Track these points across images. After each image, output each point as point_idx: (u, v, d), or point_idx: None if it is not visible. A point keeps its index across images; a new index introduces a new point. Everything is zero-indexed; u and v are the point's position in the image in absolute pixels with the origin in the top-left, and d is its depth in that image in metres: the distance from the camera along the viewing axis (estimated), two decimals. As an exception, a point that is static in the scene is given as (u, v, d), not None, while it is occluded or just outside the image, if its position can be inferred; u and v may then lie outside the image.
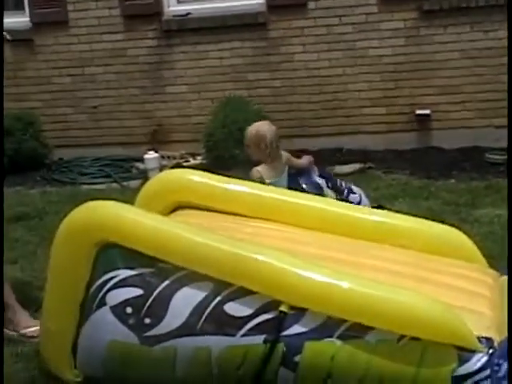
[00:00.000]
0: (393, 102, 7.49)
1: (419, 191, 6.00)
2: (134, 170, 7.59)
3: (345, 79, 7.57)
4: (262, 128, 4.41)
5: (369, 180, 6.40)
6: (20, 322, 3.69)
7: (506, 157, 6.65)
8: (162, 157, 7.64)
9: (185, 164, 7.34)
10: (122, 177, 7.36)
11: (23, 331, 3.66)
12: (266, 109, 7.44)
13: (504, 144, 6.41)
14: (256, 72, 7.75)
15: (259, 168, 4.41)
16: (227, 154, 7.16)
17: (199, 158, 7.54)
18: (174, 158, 7.68)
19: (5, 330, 3.68)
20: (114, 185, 7.15)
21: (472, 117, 7.38)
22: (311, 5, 7.51)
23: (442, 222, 3.79)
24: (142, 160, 7.49)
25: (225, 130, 7.16)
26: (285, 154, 4.62)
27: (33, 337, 3.56)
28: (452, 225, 3.73)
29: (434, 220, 3.74)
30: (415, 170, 6.73)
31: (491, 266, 3.52)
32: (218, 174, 3.87)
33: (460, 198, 5.73)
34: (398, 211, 4.01)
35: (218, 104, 7.52)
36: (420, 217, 3.73)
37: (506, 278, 3.31)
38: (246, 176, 4.36)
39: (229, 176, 3.99)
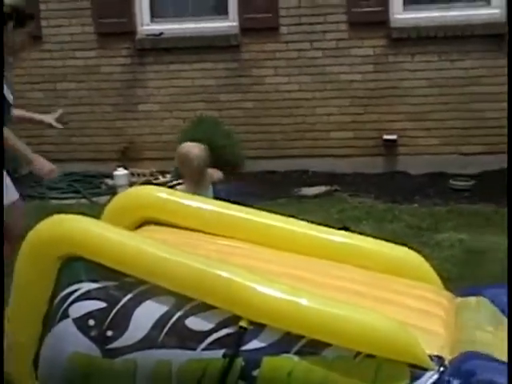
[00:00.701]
0: (361, 126, 7.65)
1: (383, 214, 6.13)
2: (103, 186, 7.63)
3: (314, 103, 7.71)
4: (192, 151, 4.55)
5: (334, 202, 6.53)
6: None
7: (469, 183, 6.81)
8: (132, 174, 7.70)
9: (154, 181, 7.40)
10: (91, 192, 7.40)
11: None
12: (236, 130, 7.56)
13: (470, 171, 6.56)
14: (228, 93, 7.87)
15: (179, 187, 4.56)
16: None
17: (168, 175, 7.61)
18: (144, 175, 7.74)
19: None
20: (83, 200, 7.19)
21: (438, 143, 7.54)
22: (283, 29, 7.66)
23: (404, 244, 3.89)
24: (111, 176, 7.53)
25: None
26: (209, 171, 4.75)
27: None
28: (413, 248, 3.82)
29: (395, 242, 3.83)
30: (381, 193, 6.87)
31: (447, 288, 3.62)
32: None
33: (423, 222, 5.86)
34: (361, 233, 4.11)
35: (189, 123, 7.60)
36: (382, 239, 3.83)
37: (460, 299, 3.42)
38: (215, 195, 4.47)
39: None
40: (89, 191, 7.45)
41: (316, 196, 6.88)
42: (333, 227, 4.01)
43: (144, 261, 3.00)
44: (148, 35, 8.01)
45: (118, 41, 8.04)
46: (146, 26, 8.09)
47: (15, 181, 4.30)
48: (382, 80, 7.55)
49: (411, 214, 6.10)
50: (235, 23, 7.81)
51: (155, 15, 8.11)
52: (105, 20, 7.99)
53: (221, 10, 7.99)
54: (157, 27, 8.03)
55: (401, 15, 7.52)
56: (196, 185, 4.54)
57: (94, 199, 7.17)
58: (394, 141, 7.53)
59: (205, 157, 4.60)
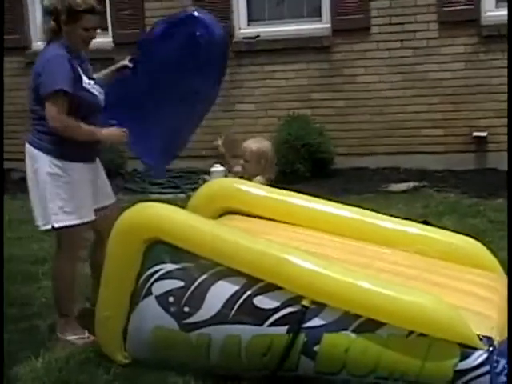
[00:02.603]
0: (451, 123, 7.74)
1: (467, 209, 6.21)
2: (200, 182, 7.99)
3: (404, 101, 7.86)
4: (262, 145, 4.61)
5: (420, 197, 6.67)
6: (69, 329, 3.95)
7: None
8: (229, 171, 8.03)
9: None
10: (189, 188, 7.78)
11: (69, 337, 3.92)
12: (327, 127, 7.81)
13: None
14: (320, 92, 8.12)
15: (258, 178, 4.52)
16: (289, 169, 7.55)
17: (262, 172, 7.90)
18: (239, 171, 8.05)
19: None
20: (182, 195, 7.56)
21: (529, 140, 7.53)
22: (374, 29, 7.85)
23: (479, 238, 4.01)
24: (209, 173, 7.89)
25: (287, 146, 7.55)
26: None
27: (73, 343, 3.86)
28: (484, 242, 3.95)
29: (473, 236, 3.98)
30: (468, 189, 6.94)
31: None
32: (280, 187, 4.16)
33: (506, 217, 5.91)
34: (442, 227, 4.27)
35: (283, 122, 7.90)
36: (462, 233, 3.98)
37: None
38: (307, 190, 4.56)
39: (292, 190, 4.23)
40: (187, 187, 7.82)
41: (404, 192, 7.02)
42: (415, 221, 4.21)
43: (219, 245, 3.31)
44: (245, 38, 8.36)
45: (217, 44, 8.42)
46: (243, 29, 8.44)
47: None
48: (472, 77, 7.63)
49: (495, 209, 6.16)
50: (328, 25, 8.06)
51: (252, 19, 8.45)
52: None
53: (314, 13, 8.26)
54: (253, 30, 8.38)
55: (492, 12, 7.57)
56: (266, 178, 4.57)
57: (191, 193, 7.53)
58: (483, 137, 7.59)
59: (272, 149, 4.69)
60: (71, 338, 3.91)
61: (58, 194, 3.77)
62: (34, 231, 5.88)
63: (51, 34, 3.79)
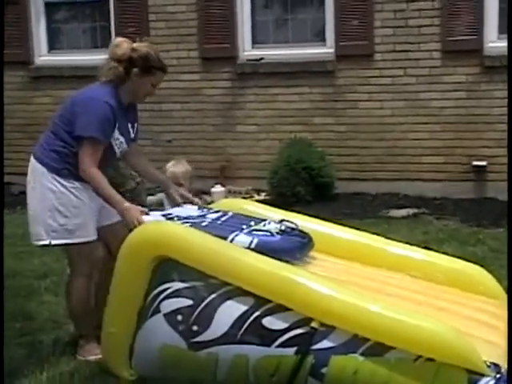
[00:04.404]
0: (451, 152, 7.80)
1: (467, 237, 6.25)
2: (200, 203, 8.01)
3: (406, 128, 7.92)
4: (186, 164, 4.68)
5: (420, 224, 6.70)
6: (89, 350, 3.94)
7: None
8: (229, 191, 8.08)
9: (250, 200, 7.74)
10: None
11: (89, 357, 3.90)
12: (329, 152, 7.86)
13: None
14: (322, 116, 8.18)
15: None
16: (289, 192, 7.59)
17: (263, 194, 7.95)
18: (240, 192, 8.10)
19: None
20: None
21: (528, 170, 7.59)
22: (378, 56, 7.92)
23: (481, 265, 4.04)
24: (209, 193, 7.93)
25: (288, 169, 7.59)
26: None
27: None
28: (488, 269, 3.98)
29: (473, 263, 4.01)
30: (467, 218, 6.97)
31: (514, 304, 3.80)
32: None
33: (506, 246, 5.95)
34: (444, 254, 4.29)
35: (284, 144, 7.94)
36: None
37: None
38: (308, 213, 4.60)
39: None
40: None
41: (404, 218, 7.06)
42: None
43: (227, 264, 3.33)
44: (249, 60, 8.42)
45: (221, 65, 8.49)
46: (248, 51, 8.50)
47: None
48: (474, 107, 7.70)
49: (495, 238, 6.21)
50: (332, 50, 8.13)
51: (256, 41, 8.52)
52: (209, 45, 8.47)
53: (318, 37, 8.33)
54: (257, 53, 8.44)
55: (495, 43, 7.65)
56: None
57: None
58: (483, 167, 7.65)
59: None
60: (90, 358, 3.89)
61: (59, 212, 3.75)
62: (34, 246, 5.94)
63: (115, 79, 3.76)
